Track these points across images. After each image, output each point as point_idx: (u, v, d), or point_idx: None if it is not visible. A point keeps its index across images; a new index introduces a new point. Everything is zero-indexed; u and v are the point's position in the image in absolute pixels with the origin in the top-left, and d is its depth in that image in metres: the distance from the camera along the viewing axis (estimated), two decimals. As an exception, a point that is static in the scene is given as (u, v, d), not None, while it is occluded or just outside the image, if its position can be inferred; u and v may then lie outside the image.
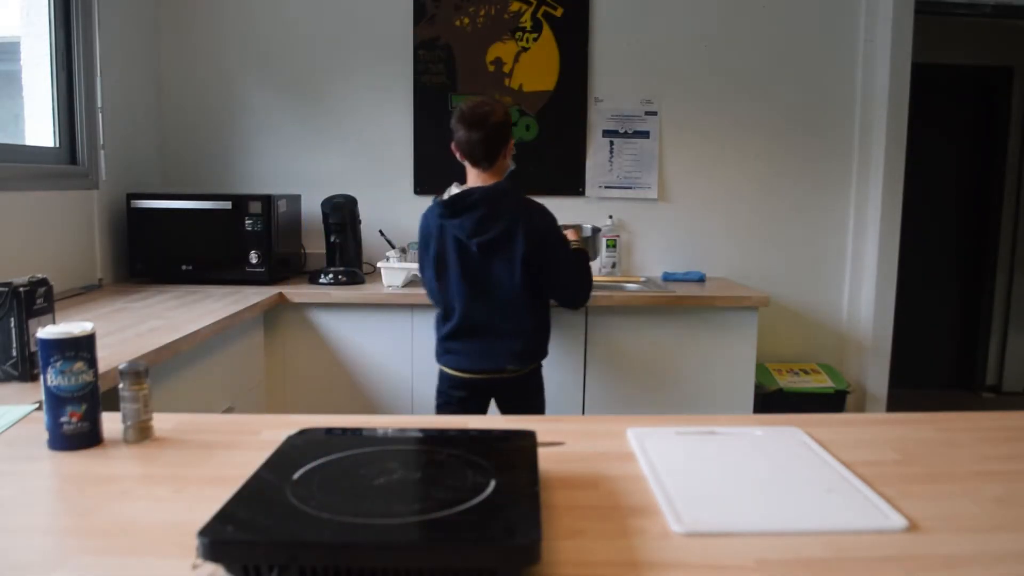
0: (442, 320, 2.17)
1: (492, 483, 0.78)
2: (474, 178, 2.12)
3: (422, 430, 0.96)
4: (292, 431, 0.96)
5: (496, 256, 2.05)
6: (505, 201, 2.06)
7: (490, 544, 0.67)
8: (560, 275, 2.12)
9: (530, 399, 2.21)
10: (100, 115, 2.61)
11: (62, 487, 0.90)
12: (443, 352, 2.17)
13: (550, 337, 2.22)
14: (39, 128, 2.47)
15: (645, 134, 3.17)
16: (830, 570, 0.71)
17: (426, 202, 3.17)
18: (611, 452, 1.03)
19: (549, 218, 2.12)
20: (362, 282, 2.78)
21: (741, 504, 0.84)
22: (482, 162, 2.08)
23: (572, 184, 3.16)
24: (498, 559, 0.66)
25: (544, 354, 2.20)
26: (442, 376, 2.20)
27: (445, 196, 2.10)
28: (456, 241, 2.08)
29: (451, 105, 3.13)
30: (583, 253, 2.22)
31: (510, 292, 2.07)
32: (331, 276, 2.73)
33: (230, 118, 3.15)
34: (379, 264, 2.76)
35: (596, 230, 2.79)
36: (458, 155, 2.12)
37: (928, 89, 3.98)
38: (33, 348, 1.39)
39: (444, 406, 2.20)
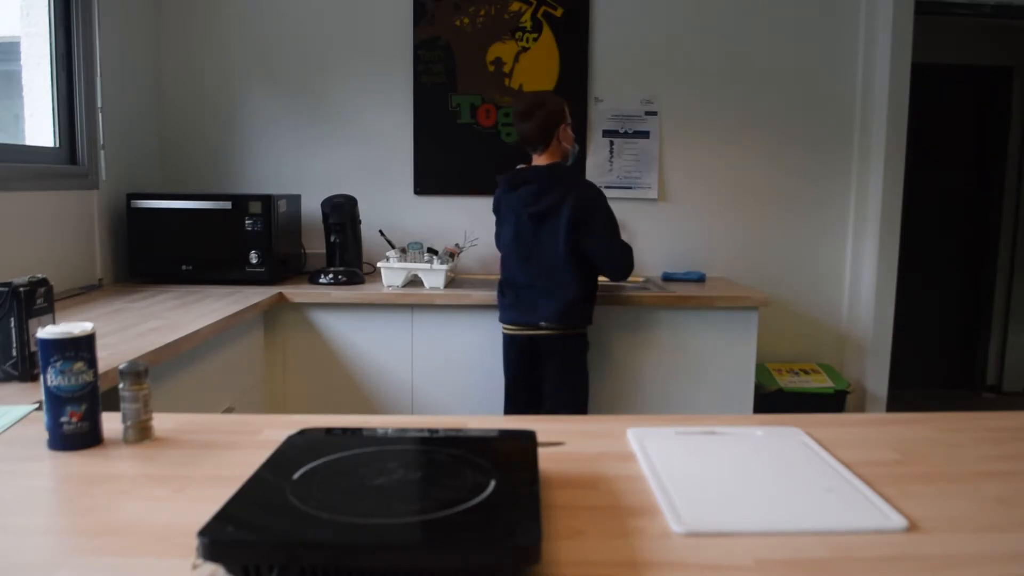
0: (501, 281, 2.46)
1: (492, 483, 0.78)
2: (534, 160, 2.44)
3: (422, 430, 0.96)
4: (292, 431, 0.96)
5: (545, 225, 2.32)
6: (558, 178, 2.34)
7: (490, 544, 0.67)
8: (600, 242, 2.33)
9: (568, 369, 2.39)
10: (100, 115, 2.61)
11: (62, 487, 0.90)
12: (499, 308, 2.45)
13: (593, 307, 2.42)
14: (39, 128, 2.47)
15: (645, 134, 3.17)
16: (830, 570, 0.71)
17: (426, 202, 3.21)
18: (611, 452, 1.03)
19: (596, 192, 2.36)
20: (362, 282, 2.78)
21: (741, 504, 0.84)
22: (538, 146, 2.39)
23: (572, 184, 3.16)
24: (498, 559, 0.66)
25: (585, 320, 2.40)
26: (503, 335, 2.47)
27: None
28: (513, 211, 2.37)
29: (451, 105, 3.13)
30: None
31: (554, 258, 2.32)
32: (331, 276, 2.73)
33: (230, 118, 3.15)
34: (379, 264, 2.76)
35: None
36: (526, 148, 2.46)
37: (928, 89, 3.99)
38: (33, 348, 1.39)
39: (504, 362, 2.47)
